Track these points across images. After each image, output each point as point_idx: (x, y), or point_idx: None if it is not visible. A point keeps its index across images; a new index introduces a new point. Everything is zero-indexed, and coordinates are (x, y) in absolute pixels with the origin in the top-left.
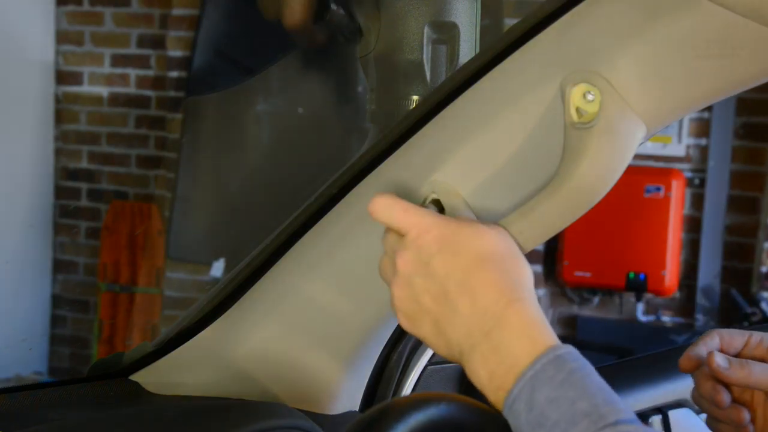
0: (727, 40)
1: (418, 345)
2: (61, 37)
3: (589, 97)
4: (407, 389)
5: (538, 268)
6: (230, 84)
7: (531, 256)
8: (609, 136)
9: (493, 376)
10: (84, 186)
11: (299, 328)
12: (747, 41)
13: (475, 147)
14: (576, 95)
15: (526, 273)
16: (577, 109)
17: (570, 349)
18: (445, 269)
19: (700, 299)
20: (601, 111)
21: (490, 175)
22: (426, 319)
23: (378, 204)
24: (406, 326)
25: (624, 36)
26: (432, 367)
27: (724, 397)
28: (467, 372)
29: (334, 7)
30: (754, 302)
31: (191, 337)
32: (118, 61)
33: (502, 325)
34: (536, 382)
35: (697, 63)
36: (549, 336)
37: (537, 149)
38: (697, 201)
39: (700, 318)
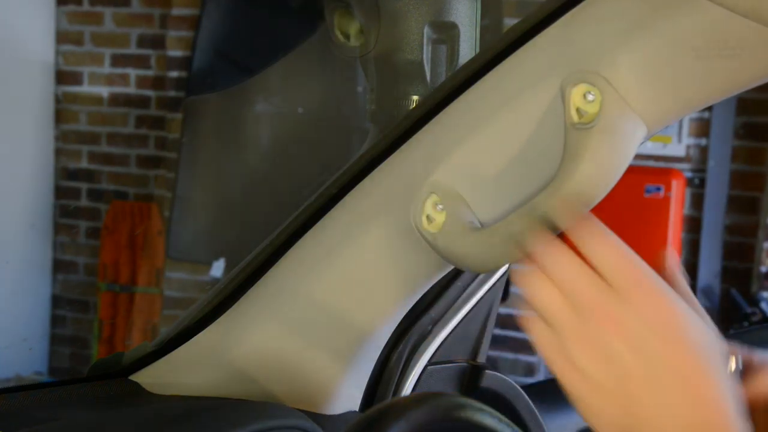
0: (727, 40)
1: (418, 345)
2: (61, 37)
3: (589, 97)
4: (407, 389)
5: None
6: (230, 84)
7: None
8: (609, 137)
9: None
10: (84, 186)
11: (299, 328)
12: (747, 41)
13: (475, 147)
14: (576, 95)
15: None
16: (578, 110)
17: None
18: (664, 354)
19: (700, 299)
20: (602, 111)
21: (490, 175)
22: (614, 403)
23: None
24: (586, 413)
25: (624, 36)
26: (432, 367)
27: None
28: None
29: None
30: (754, 302)
31: (191, 337)
32: (118, 61)
33: None
34: None
35: (697, 63)
36: None
37: (537, 149)
38: (697, 201)
39: None
